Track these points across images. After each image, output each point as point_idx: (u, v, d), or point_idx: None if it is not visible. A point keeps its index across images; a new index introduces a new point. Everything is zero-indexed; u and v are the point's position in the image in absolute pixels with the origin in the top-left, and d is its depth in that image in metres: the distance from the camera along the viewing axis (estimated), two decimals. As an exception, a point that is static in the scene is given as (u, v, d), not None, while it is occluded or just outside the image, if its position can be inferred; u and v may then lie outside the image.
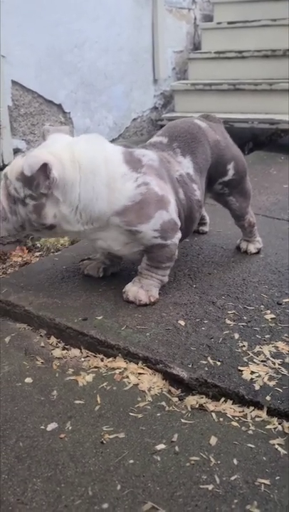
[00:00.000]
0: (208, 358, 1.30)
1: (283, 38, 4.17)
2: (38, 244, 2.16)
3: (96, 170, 1.44)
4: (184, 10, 4.82)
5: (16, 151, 3.29)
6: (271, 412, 1.14)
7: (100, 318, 1.47)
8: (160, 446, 1.05)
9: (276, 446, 1.05)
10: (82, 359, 1.37)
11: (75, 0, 3.41)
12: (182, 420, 1.13)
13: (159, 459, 1.02)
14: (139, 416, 1.14)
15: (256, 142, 4.17)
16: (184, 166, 1.64)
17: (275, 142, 4.26)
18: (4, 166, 3.21)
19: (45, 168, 1.37)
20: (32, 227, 1.48)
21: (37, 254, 2.09)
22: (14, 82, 3.16)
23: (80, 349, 1.41)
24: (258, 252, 1.95)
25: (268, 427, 1.11)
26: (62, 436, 1.08)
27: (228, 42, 4.47)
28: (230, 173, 1.77)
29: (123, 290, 1.58)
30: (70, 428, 1.11)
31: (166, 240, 1.53)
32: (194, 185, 1.64)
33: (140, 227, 1.48)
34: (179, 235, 1.57)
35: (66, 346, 1.43)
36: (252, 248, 1.94)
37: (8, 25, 2.99)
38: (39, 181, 1.38)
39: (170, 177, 1.59)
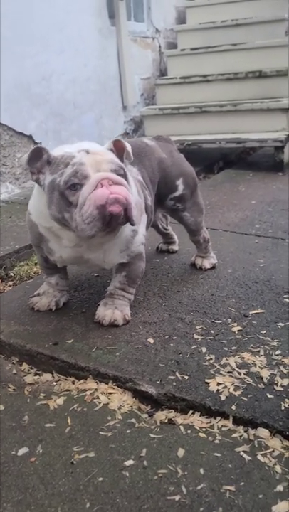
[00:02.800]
0: (176, 373, 1.33)
1: (244, 61, 4.32)
2: (12, 274, 2.18)
3: None
4: (148, 39, 4.97)
5: (-12, 184, 3.34)
6: (237, 421, 1.17)
7: (70, 341, 1.50)
8: (129, 462, 1.07)
9: (241, 453, 1.08)
10: (54, 383, 1.39)
11: (40, 33, 3.51)
12: (151, 435, 1.15)
13: (127, 474, 1.04)
14: (109, 434, 1.16)
15: (226, 161, 4.28)
16: (134, 173, 1.71)
17: (244, 160, 4.37)
18: (-23, 198, 3.25)
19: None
20: None
21: (10, 283, 2.12)
22: (-17, 117, 3.22)
23: (52, 373, 1.43)
24: (213, 268, 2.00)
25: (234, 435, 1.14)
26: (32, 459, 1.10)
27: (192, 67, 4.62)
28: (180, 188, 1.84)
29: (96, 316, 1.60)
30: (40, 451, 1.12)
31: (144, 248, 1.60)
32: (146, 192, 1.71)
33: (139, 228, 1.55)
34: None
35: (38, 372, 1.45)
36: (206, 264, 2.00)
37: (-26, 62, 3.06)
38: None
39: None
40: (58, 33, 3.67)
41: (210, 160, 4.18)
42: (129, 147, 1.45)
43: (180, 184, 1.85)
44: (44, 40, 3.57)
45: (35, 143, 3.65)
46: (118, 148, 1.46)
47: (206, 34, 4.81)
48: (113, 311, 1.58)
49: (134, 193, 1.51)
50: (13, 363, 1.50)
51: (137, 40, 4.77)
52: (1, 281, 2.14)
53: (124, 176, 1.40)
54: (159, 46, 5.15)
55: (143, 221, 1.57)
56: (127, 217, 1.35)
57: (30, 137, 3.60)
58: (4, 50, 3.25)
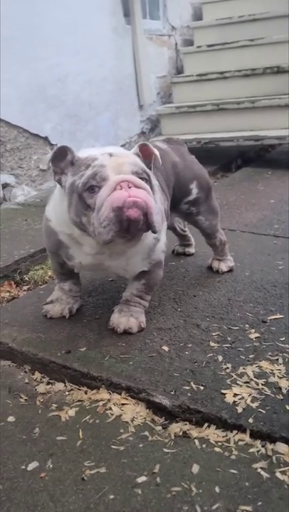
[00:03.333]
0: (191, 383, 1.28)
1: (261, 57, 4.24)
2: (26, 278, 2.16)
3: None
4: (164, 37, 4.91)
5: (5, 186, 3.34)
6: (254, 435, 1.12)
7: (83, 349, 1.46)
8: (141, 479, 1.04)
9: (259, 470, 1.03)
10: (67, 393, 1.36)
11: (53, 35, 3.49)
12: (164, 450, 1.11)
13: (140, 492, 1.01)
14: (121, 448, 1.13)
15: (245, 159, 4.20)
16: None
17: (263, 158, 4.28)
18: (-6, 201, 3.25)
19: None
20: None
21: (25, 288, 2.10)
22: (-1, 120, 3.22)
23: (64, 383, 1.40)
24: (230, 271, 1.95)
25: (251, 450, 1.09)
26: (42, 475, 1.07)
27: (209, 64, 4.55)
28: (194, 191, 1.79)
29: (110, 323, 1.57)
30: (50, 466, 1.09)
31: (163, 256, 1.56)
32: (162, 197, 1.66)
33: (160, 235, 1.50)
34: None
35: (50, 381, 1.42)
36: (224, 267, 1.94)
37: (-13, 64, 3.06)
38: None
39: None
40: (71, 34, 3.65)
41: (228, 158, 4.11)
42: (156, 151, 1.37)
43: (194, 188, 1.80)
44: (58, 42, 3.55)
45: (51, 144, 3.64)
46: (145, 153, 1.40)
47: (222, 30, 4.73)
48: (128, 318, 1.54)
49: (157, 199, 1.44)
50: (25, 372, 1.47)
51: (153, 38, 4.72)
52: (16, 285, 2.13)
53: (148, 180, 1.33)
54: (176, 44, 5.09)
55: (164, 228, 1.53)
56: (147, 224, 1.27)
57: (45, 139, 3.59)
58: (18, 53, 3.24)
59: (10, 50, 3.18)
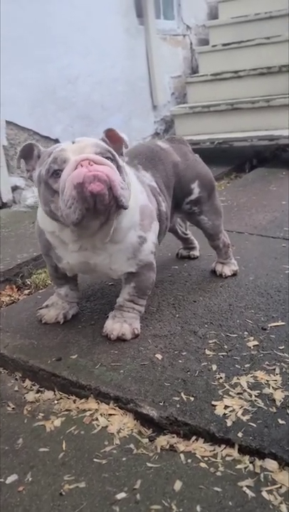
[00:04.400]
0: (182, 394, 1.23)
1: (278, 54, 4.15)
2: (28, 282, 2.14)
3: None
4: (178, 37, 4.87)
5: (15, 189, 3.33)
6: (243, 450, 1.06)
7: (74, 357, 1.43)
8: (121, 495, 0.99)
9: (244, 488, 0.98)
10: (55, 401, 1.33)
11: (63, 37, 3.47)
12: (148, 464, 1.07)
13: (118, 509, 0.96)
14: (104, 462, 1.08)
15: (260, 159, 4.12)
16: (148, 178, 1.62)
17: (279, 157, 4.19)
18: (3, 204, 3.25)
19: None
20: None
21: (26, 292, 2.07)
22: (8, 122, 3.22)
23: (54, 391, 1.36)
24: (234, 275, 1.89)
25: (238, 466, 1.03)
26: (20, 489, 1.03)
27: (224, 63, 4.49)
28: (196, 191, 1.74)
29: (104, 329, 1.53)
30: (30, 479, 1.06)
31: (154, 259, 1.51)
32: (160, 198, 1.62)
33: (148, 235, 1.46)
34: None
35: (40, 389, 1.39)
36: (227, 271, 1.88)
37: (-4, 66, 3.06)
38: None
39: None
40: (82, 35, 3.63)
41: (242, 158, 4.04)
42: (124, 136, 1.35)
43: (196, 187, 1.75)
44: (68, 43, 3.53)
45: (62, 147, 3.62)
46: (113, 139, 1.38)
47: (238, 28, 4.66)
48: (122, 324, 1.50)
49: (128, 179, 1.39)
50: (16, 379, 1.44)
51: (167, 38, 4.68)
52: (18, 289, 2.11)
53: (112, 160, 1.29)
54: (190, 43, 5.04)
55: (154, 228, 1.48)
56: (114, 198, 1.23)
57: (56, 141, 3.58)
58: (27, 54, 3.24)
59: (19, 51, 3.18)
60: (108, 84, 3.96)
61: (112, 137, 1.38)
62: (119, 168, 1.30)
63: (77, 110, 3.71)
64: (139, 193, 1.47)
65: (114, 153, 1.32)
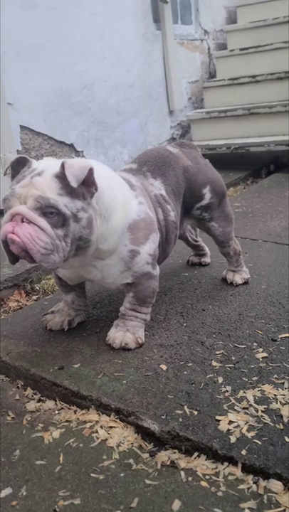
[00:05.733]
0: (185, 407, 1.18)
1: (296, 58, 4.08)
2: (37, 288, 2.12)
3: (113, 178, 1.41)
4: (196, 41, 4.83)
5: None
6: (246, 469, 1.01)
7: (77, 366, 1.39)
8: (116, 514, 0.95)
9: (246, 510, 0.92)
10: (56, 412, 1.29)
11: (80, 42, 3.47)
12: (146, 481, 1.02)
13: (112, 529, 0.92)
14: (101, 477, 1.04)
15: (277, 164, 4.05)
16: (156, 187, 1.59)
17: (296, 163, 4.12)
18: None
19: (91, 173, 1.25)
20: (77, 250, 1.30)
21: (34, 297, 2.05)
22: (23, 127, 3.22)
23: (55, 400, 1.33)
24: (245, 283, 1.83)
25: (241, 486, 0.98)
26: (14, 503, 1.00)
27: (241, 68, 4.44)
28: (207, 196, 1.69)
29: (107, 338, 1.50)
30: (24, 494, 1.02)
31: (153, 268, 1.47)
32: (168, 206, 1.58)
33: (141, 248, 1.41)
34: (158, 267, 1.51)
35: (42, 398, 1.36)
36: (238, 279, 1.83)
37: (13, 72, 3.06)
38: (88, 189, 1.27)
39: (150, 198, 1.54)
40: (99, 40, 3.62)
41: (259, 164, 3.97)
42: (69, 173, 1.21)
43: (207, 192, 1.70)
44: (85, 49, 3.52)
45: (77, 151, 3.61)
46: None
47: (256, 33, 4.61)
48: (124, 333, 1.46)
49: (130, 204, 1.40)
50: (17, 387, 1.41)
51: (184, 43, 4.64)
52: (26, 295, 2.09)
53: (56, 214, 1.22)
54: (208, 48, 5.00)
55: (151, 240, 1.44)
56: (30, 258, 1.23)
57: (71, 146, 3.57)
58: (43, 60, 3.23)
59: (35, 57, 3.18)
60: (124, 89, 3.94)
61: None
62: (65, 221, 1.23)
63: (92, 115, 3.70)
64: (133, 206, 1.43)
65: (58, 205, 1.22)
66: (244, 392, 1.22)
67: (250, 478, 1.00)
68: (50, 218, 1.23)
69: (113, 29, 3.75)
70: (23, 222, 1.22)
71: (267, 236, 2.38)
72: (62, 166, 1.22)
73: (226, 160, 4.04)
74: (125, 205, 1.40)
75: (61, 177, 1.24)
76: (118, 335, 1.46)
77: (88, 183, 1.26)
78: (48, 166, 1.29)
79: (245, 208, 2.87)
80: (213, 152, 4.05)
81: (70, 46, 3.41)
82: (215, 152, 4.04)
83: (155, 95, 4.30)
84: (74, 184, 1.20)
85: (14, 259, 1.27)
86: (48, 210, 1.22)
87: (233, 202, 2.96)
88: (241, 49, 4.50)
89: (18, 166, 1.33)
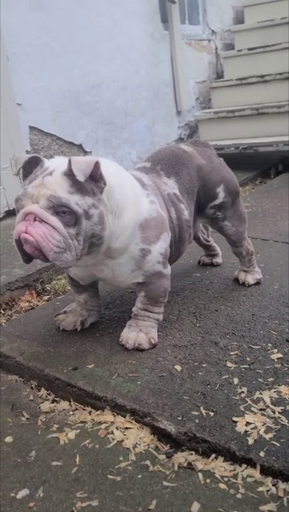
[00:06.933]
0: (201, 408, 1.18)
1: (304, 58, 4.06)
2: (48, 288, 2.12)
3: (123, 175, 1.40)
4: (203, 41, 4.82)
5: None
6: (265, 471, 1.00)
7: (91, 366, 1.38)
8: (135, 516, 0.94)
9: (266, 513, 0.92)
10: (71, 412, 1.29)
11: (88, 43, 3.47)
12: (164, 483, 1.02)
13: (131, 531, 0.91)
14: (118, 479, 1.04)
15: (285, 164, 4.03)
16: (170, 186, 1.58)
17: (305, 163, 4.10)
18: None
19: (97, 167, 1.24)
20: (91, 247, 1.30)
21: (45, 298, 2.05)
22: (32, 128, 3.22)
23: (70, 401, 1.32)
24: (257, 283, 1.82)
25: (260, 489, 0.97)
26: (31, 505, 0.99)
27: (249, 68, 4.43)
28: (221, 195, 1.69)
29: (120, 338, 1.49)
30: (41, 495, 1.02)
31: (164, 267, 1.46)
32: (182, 205, 1.58)
33: (152, 247, 1.41)
34: (169, 266, 1.50)
35: (56, 398, 1.35)
36: (250, 279, 1.82)
37: (22, 73, 3.06)
38: (97, 184, 1.27)
39: (163, 197, 1.54)
40: (107, 41, 3.62)
41: (268, 164, 3.96)
42: (75, 168, 1.20)
43: (221, 191, 1.69)
44: (93, 50, 3.52)
45: (85, 152, 3.61)
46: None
47: (264, 33, 4.59)
48: (137, 333, 1.46)
49: (142, 203, 1.40)
50: (31, 388, 1.41)
51: (192, 43, 4.64)
52: (37, 295, 2.08)
53: (69, 213, 1.22)
54: (216, 48, 4.99)
55: (163, 239, 1.43)
56: (44, 257, 1.23)
57: (80, 146, 3.57)
58: (51, 61, 3.24)
59: (43, 57, 3.18)
60: (132, 89, 3.94)
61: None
62: (77, 219, 1.23)
63: (101, 115, 3.70)
64: (145, 204, 1.42)
65: (70, 204, 1.22)
66: (260, 393, 1.21)
67: (269, 480, 0.99)
68: (63, 217, 1.23)
69: (121, 29, 3.75)
70: (35, 221, 1.22)
71: (278, 236, 2.36)
72: (69, 162, 1.22)
73: (234, 160, 4.01)
74: (136, 203, 1.39)
75: (70, 174, 1.23)
76: (131, 335, 1.45)
77: (96, 177, 1.26)
78: (59, 164, 1.29)
79: (254, 208, 2.86)
80: (221, 152, 4.03)
81: (78, 47, 3.41)
82: (223, 152, 4.02)
83: (163, 95, 4.30)
84: (81, 178, 1.19)
85: (28, 258, 1.27)
86: (60, 209, 1.22)
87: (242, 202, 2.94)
88: (249, 49, 4.49)
89: (30, 166, 1.32)
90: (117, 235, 1.35)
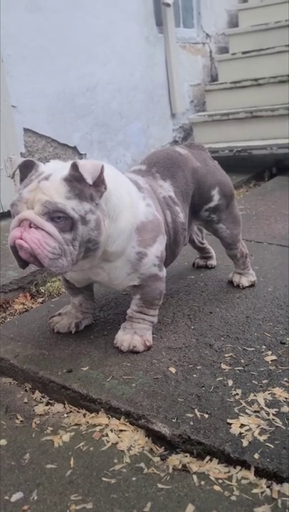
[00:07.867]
0: (196, 410, 1.18)
1: (299, 61, 4.09)
2: (42, 290, 2.11)
3: (119, 179, 1.40)
4: (198, 45, 4.84)
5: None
6: (259, 473, 1.01)
7: (85, 369, 1.38)
8: (129, 518, 0.94)
9: (261, 515, 0.92)
10: (65, 415, 1.28)
11: (83, 45, 3.48)
12: (159, 485, 1.01)
13: (126, 533, 0.91)
14: (112, 481, 1.04)
15: (279, 167, 4.05)
16: (165, 189, 1.59)
17: (299, 166, 4.11)
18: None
19: (102, 171, 1.23)
20: (87, 251, 1.29)
21: (40, 300, 2.04)
22: (26, 130, 3.22)
23: (64, 404, 1.32)
24: (251, 286, 1.83)
25: (255, 491, 0.97)
26: (25, 508, 0.99)
27: (244, 71, 4.45)
28: (216, 198, 1.69)
29: (114, 341, 1.49)
30: (35, 498, 1.01)
31: (160, 270, 1.46)
32: (177, 208, 1.58)
33: (148, 250, 1.41)
34: (164, 269, 1.50)
35: (50, 401, 1.35)
36: (245, 281, 1.83)
37: (17, 75, 3.06)
38: (97, 188, 1.26)
39: (158, 199, 1.54)
40: (102, 43, 3.62)
41: (262, 167, 3.97)
42: (84, 171, 1.20)
43: (215, 194, 1.70)
44: (88, 52, 3.53)
45: (80, 154, 3.61)
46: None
47: (258, 36, 4.62)
48: (132, 336, 1.46)
49: (138, 206, 1.40)
50: (25, 390, 1.40)
51: (186, 46, 4.65)
52: (31, 297, 2.08)
53: (64, 218, 1.22)
54: (210, 51, 5.00)
55: (159, 242, 1.43)
56: (39, 263, 1.22)
57: (74, 148, 3.57)
58: (47, 63, 3.24)
59: (39, 59, 3.18)
60: (127, 92, 3.95)
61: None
62: (73, 224, 1.22)
63: (95, 118, 3.70)
64: (141, 208, 1.42)
65: (66, 209, 1.21)
66: (254, 395, 1.22)
67: (263, 482, 0.99)
68: (58, 223, 1.22)
69: (116, 32, 3.76)
70: (30, 227, 1.22)
71: (272, 239, 2.37)
72: (74, 167, 1.21)
73: (228, 163, 4.01)
74: (133, 207, 1.40)
75: (69, 179, 1.23)
76: (126, 337, 1.45)
77: (98, 182, 1.25)
78: (55, 169, 1.28)
79: (249, 211, 2.87)
80: (215, 155, 4.04)
81: (73, 49, 3.41)
82: (217, 155, 4.03)
83: (157, 98, 4.31)
84: (90, 181, 1.20)
85: (23, 263, 1.26)
86: (55, 215, 1.22)
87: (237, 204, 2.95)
88: (243, 52, 4.51)
89: (25, 169, 1.32)
90: (114, 239, 1.35)
